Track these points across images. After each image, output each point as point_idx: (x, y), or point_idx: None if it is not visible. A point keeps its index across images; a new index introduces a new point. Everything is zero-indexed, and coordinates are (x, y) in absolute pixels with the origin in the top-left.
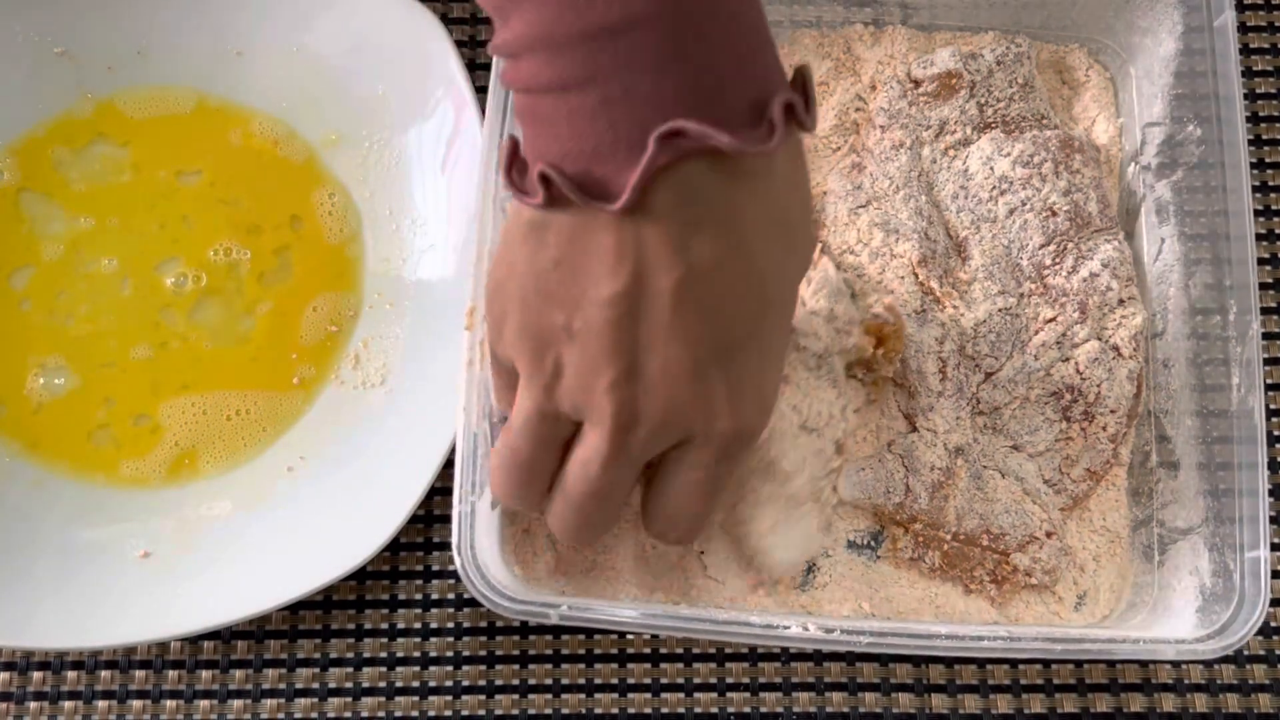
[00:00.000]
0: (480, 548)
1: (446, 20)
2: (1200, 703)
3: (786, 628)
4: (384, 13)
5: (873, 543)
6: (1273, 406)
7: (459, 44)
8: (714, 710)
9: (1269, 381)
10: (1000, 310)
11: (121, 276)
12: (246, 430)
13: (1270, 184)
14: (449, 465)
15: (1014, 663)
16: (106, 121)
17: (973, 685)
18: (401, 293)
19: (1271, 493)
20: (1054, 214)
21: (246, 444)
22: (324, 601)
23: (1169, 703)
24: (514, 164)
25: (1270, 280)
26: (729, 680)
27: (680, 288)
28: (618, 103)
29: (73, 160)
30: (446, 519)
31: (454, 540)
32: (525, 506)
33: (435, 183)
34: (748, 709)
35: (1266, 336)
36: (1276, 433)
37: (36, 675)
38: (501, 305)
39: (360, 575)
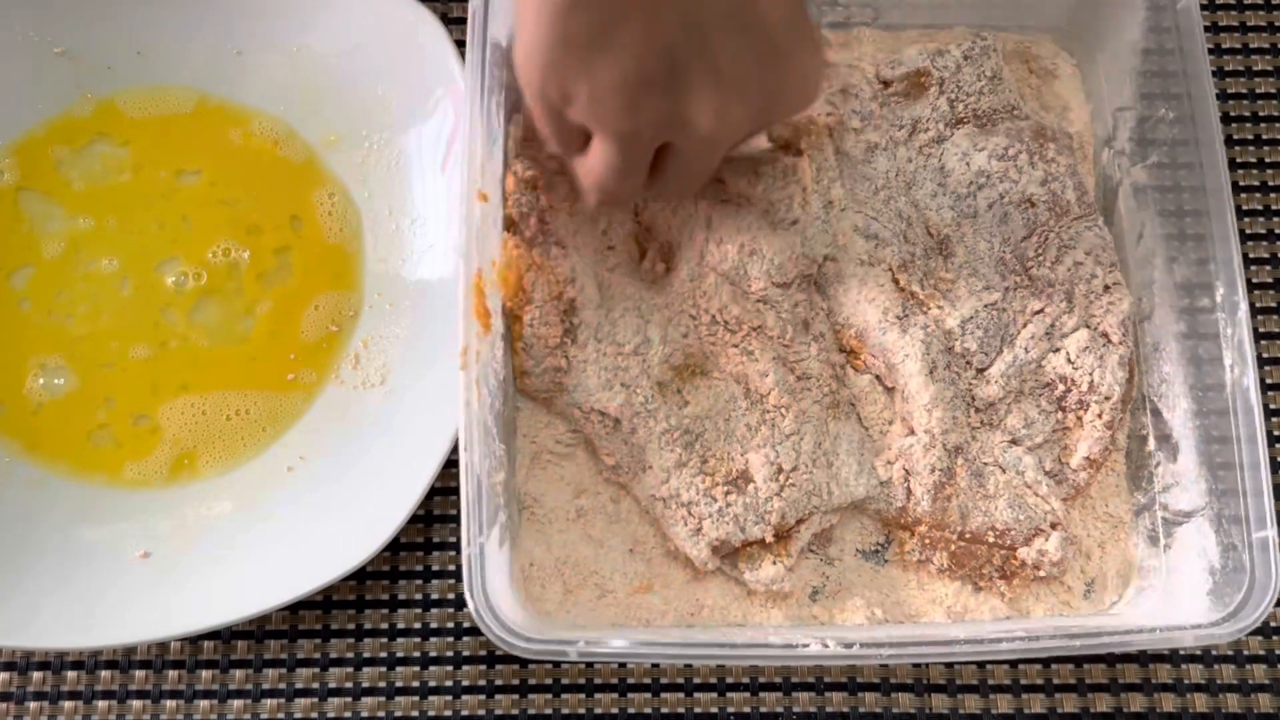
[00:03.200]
0: (491, 589)
1: (446, 20)
2: (1200, 703)
3: (806, 645)
4: (384, 12)
5: (880, 548)
6: (1270, 381)
7: (459, 44)
8: (714, 710)
9: (1264, 356)
10: (986, 306)
11: (121, 276)
12: (246, 430)
13: (1266, 168)
14: (449, 465)
15: (1014, 662)
16: (106, 121)
17: (972, 685)
18: (401, 292)
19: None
20: (1033, 204)
21: (246, 444)
22: (324, 602)
23: (1169, 703)
24: None
25: (1270, 281)
26: (729, 680)
27: None
28: None
29: (72, 160)
30: (447, 519)
31: (465, 584)
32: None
33: (435, 182)
34: (747, 709)
35: (1261, 312)
36: (1272, 406)
37: (36, 675)
38: (559, 87)
39: (360, 575)
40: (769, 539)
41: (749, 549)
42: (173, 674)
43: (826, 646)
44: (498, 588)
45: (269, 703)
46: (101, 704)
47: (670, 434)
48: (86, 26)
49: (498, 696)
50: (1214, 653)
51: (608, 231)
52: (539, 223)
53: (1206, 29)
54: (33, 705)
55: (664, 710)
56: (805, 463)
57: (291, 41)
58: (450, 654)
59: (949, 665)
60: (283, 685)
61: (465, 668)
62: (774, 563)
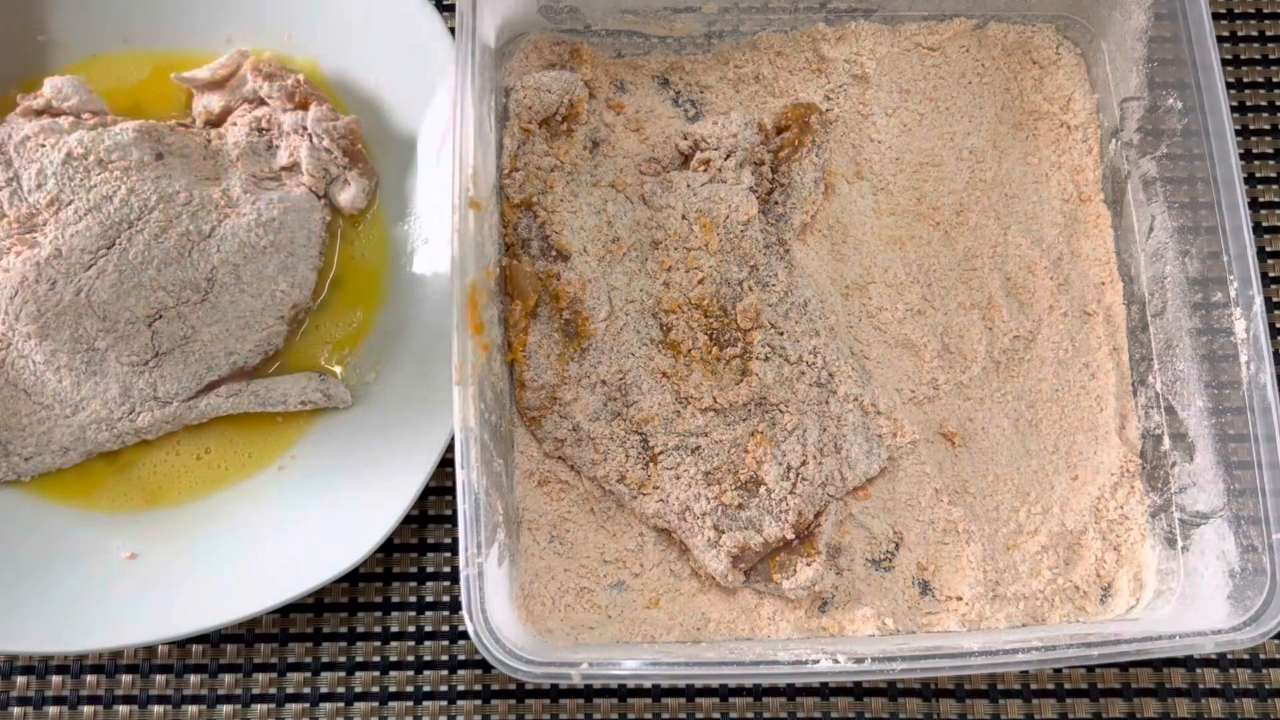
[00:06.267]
0: (491, 611)
1: (441, 7)
2: (1215, 708)
3: (816, 661)
4: (379, 2)
5: (889, 555)
6: None
7: (454, 33)
8: (716, 716)
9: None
10: None
11: None
12: (236, 428)
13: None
14: (444, 464)
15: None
16: None
17: (982, 690)
18: (395, 286)
19: None
20: None
21: (228, 469)
22: (316, 604)
23: (1183, 708)
24: None
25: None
26: (731, 685)
27: None
28: None
29: None
30: (442, 519)
31: (464, 605)
32: None
33: (430, 175)
34: (751, 714)
35: (1278, 306)
36: None
37: (20, 680)
38: None
39: (353, 577)
40: (790, 536)
41: (778, 558)
42: (160, 678)
43: (837, 662)
44: (498, 609)
45: (259, 708)
46: (87, 709)
47: (672, 452)
48: (71, 14)
49: (494, 702)
50: (1229, 656)
51: (612, 223)
52: (542, 239)
53: (1221, 17)
54: (16, 711)
55: (665, 716)
56: (813, 454)
57: (283, 31)
58: (445, 658)
59: None
60: (273, 690)
61: (461, 672)
62: (807, 564)
